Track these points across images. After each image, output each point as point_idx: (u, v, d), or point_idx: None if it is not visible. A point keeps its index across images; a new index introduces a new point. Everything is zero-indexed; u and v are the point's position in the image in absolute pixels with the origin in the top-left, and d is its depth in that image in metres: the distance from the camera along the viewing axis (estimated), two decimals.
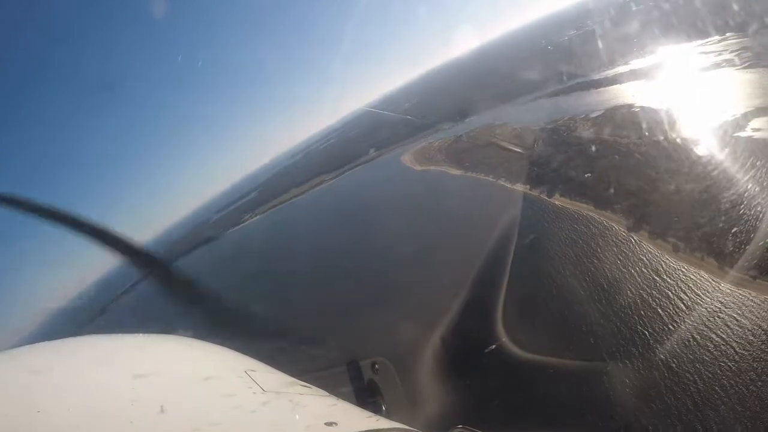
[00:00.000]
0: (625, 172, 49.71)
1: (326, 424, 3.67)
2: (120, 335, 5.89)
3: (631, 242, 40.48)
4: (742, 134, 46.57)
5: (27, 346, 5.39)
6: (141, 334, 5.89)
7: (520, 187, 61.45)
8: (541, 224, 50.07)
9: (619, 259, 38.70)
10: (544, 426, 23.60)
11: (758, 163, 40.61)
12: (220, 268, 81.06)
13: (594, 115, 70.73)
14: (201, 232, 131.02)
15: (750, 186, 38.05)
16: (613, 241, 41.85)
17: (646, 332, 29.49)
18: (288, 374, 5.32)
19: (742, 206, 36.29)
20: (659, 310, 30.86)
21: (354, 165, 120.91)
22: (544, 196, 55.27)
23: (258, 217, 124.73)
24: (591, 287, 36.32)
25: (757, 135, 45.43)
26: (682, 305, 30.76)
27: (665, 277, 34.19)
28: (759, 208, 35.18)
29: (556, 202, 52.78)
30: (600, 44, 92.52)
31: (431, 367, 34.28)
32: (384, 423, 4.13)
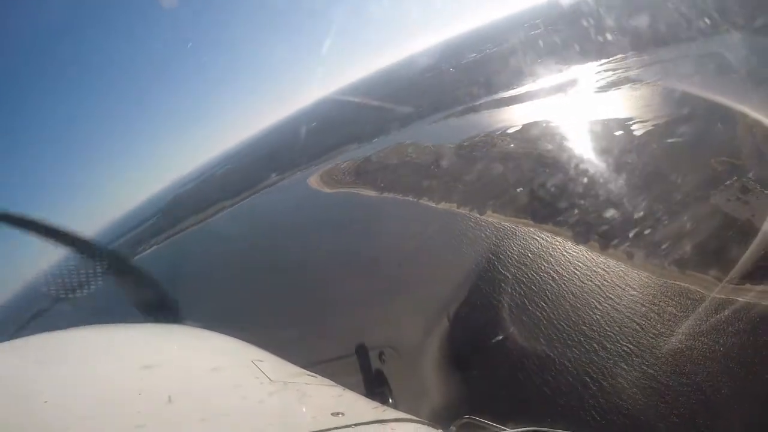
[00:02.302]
0: (552, 182, 48.22)
1: (333, 414, 3.74)
2: (128, 325, 6.02)
3: (577, 251, 39.00)
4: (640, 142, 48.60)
5: (33, 336, 5.48)
6: (148, 324, 6.38)
7: (445, 206, 57.48)
8: (476, 241, 45.92)
9: (565, 269, 37.29)
10: (551, 417, 23.57)
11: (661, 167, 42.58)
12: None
13: (511, 130, 69.76)
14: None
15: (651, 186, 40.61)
16: (557, 252, 39.49)
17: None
18: (295, 364, 5.39)
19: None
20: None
21: (256, 189, 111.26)
22: (475, 214, 51.73)
23: (151, 249, 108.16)
24: (533, 296, 35.42)
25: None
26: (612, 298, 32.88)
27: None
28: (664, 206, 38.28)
29: (490, 219, 49.32)
30: (507, 64, 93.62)
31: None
32: (390, 413, 4.09)
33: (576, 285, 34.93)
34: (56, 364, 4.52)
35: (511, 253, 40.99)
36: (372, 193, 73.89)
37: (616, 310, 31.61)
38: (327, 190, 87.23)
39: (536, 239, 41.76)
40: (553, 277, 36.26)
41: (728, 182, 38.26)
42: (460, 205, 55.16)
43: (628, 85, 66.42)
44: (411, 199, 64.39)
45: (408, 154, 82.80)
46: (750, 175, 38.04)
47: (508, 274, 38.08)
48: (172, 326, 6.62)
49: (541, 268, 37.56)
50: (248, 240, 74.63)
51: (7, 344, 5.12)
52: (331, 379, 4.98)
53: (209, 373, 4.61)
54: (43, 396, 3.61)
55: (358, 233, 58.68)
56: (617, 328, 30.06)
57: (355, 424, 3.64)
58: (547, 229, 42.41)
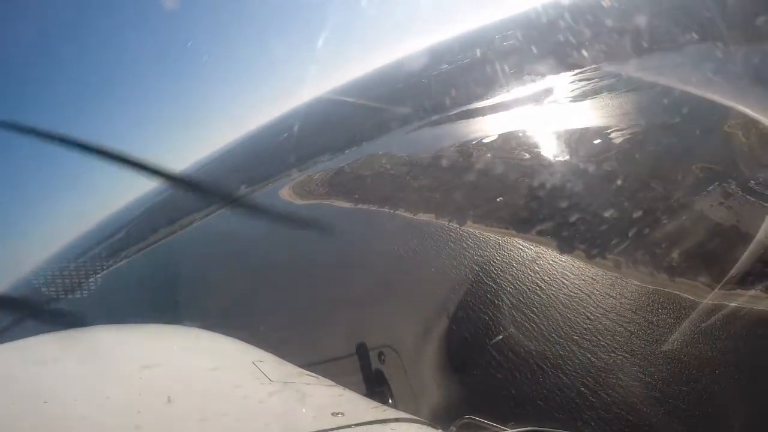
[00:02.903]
0: (533, 192, 47.40)
1: (333, 414, 3.74)
2: (127, 326, 6.20)
3: (564, 260, 37.56)
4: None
5: (33, 336, 5.41)
6: (149, 325, 6.51)
7: (423, 217, 55.96)
8: (458, 252, 44.40)
9: (552, 278, 35.98)
10: (551, 417, 23.52)
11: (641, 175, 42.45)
12: None
13: (487, 140, 69.15)
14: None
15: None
16: (543, 262, 38.03)
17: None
18: (295, 364, 5.40)
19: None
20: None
21: (226, 203, 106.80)
22: (454, 224, 50.34)
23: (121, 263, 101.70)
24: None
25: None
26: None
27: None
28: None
29: (470, 229, 47.96)
30: (481, 74, 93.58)
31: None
32: (390, 413, 4.11)
33: (565, 294, 33.73)
34: (56, 364, 4.51)
35: (495, 263, 39.65)
36: (346, 205, 71.80)
37: (607, 317, 30.61)
38: (300, 201, 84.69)
39: (521, 249, 40.50)
40: (540, 287, 34.94)
41: (710, 188, 38.08)
42: (438, 216, 53.63)
43: (604, 93, 66.65)
44: (387, 210, 62.55)
45: (382, 164, 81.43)
46: (731, 180, 38.01)
47: (493, 285, 36.69)
48: (171, 327, 6.62)
49: (528, 279, 36.26)
50: (221, 254, 71.56)
51: (7, 345, 5.15)
52: (331, 379, 4.96)
53: (209, 374, 4.63)
54: (43, 396, 3.62)
55: (334, 245, 56.50)
56: (607, 335, 29.19)
57: (356, 424, 3.62)
58: (531, 238, 41.24)
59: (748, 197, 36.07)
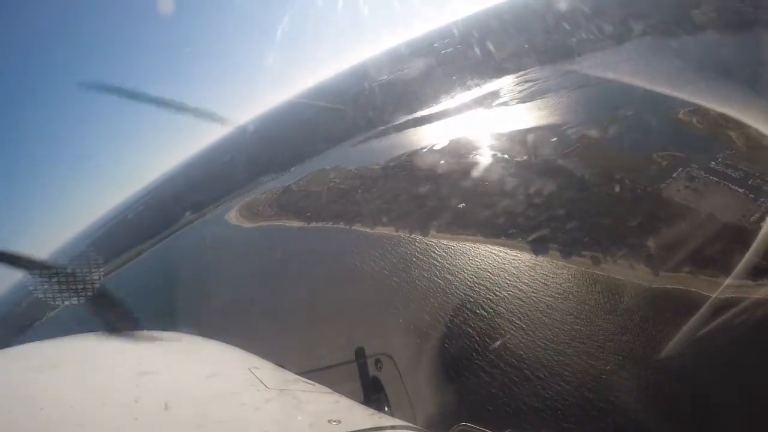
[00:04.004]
0: (495, 195, 45.64)
1: (329, 421, 3.76)
2: (123, 332, 5.90)
3: (538, 262, 36.06)
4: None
5: (29, 343, 5.47)
6: (145, 331, 6.06)
7: (382, 231, 53.19)
8: (428, 263, 41.82)
9: (531, 281, 34.40)
10: (545, 424, 23.46)
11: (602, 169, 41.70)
12: None
13: (438, 147, 67.27)
14: None
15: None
16: (520, 265, 36.35)
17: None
18: (292, 371, 5.43)
19: None
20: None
21: (171, 231, 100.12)
22: (417, 236, 47.88)
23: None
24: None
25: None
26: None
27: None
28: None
29: (433, 240, 45.61)
30: (425, 82, 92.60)
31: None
32: (387, 420, 4.09)
33: (546, 295, 32.07)
34: (52, 371, 4.50)
35: (469, 271, 37.39)
36: (299, 224, 67.86)
37: (588, 314, 29.47)
38: (249, 224, 79.74)
39: (495, 255, 38.43)
40: (524, 291, 33.02)
41: (675, 174, 37.71)
42: (398, 228, 50.96)
43: (550, 93, 66.65)
44: (342, 226, 59.37)
45: (332, 179, 78.23)
46: (693, 164, 37.88)
47: (472, 294, 34.38)
48: (168, 334, 6.56)
49: (509, 284, 34.21)
50: (170, 286, 65.61)
51: (3, 351, 5.14)
52: (328, 386, 4.93)
53: (206, 381, 4.61)
54: (40, 404, 3.63)
55: (291, 266, 52.69)
56: (586, 331, 28.23)
57: None
58: (501, 243, 39.32)
59: (712, 177, 36.26)
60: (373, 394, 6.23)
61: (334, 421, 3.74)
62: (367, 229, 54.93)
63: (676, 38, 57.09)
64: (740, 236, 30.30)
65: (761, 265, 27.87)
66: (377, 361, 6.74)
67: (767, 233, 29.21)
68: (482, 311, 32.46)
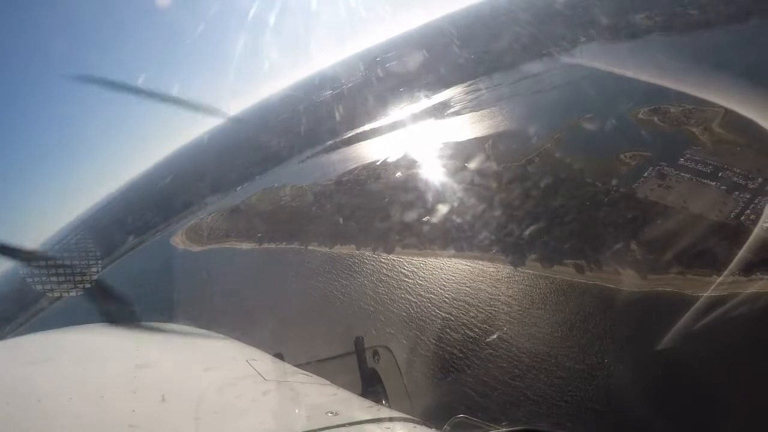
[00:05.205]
0: (462, 206, 43.25)
1: (327, 413, 3.74)
2: (121, 325, 5.98)
3: (518, 273, 33.76)
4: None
5: (27, 335, 5.75)
6: (143, 323, 6.32)
7: (341, 250, 49.70)
8: (400, 283, 38.66)
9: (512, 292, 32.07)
10: (542, 416, 23.11)
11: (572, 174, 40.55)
12: None
13: (391, 159, 64.33)
14: None
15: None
16: (501, 277, 33.91)
17: None
18: (289, 363, 5.41)
19: None
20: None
21: (113, 258, 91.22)
22: (381, 253, 44.73)
23: None
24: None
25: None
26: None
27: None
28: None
29: (400, 257, 42.56)
30: (371, 96, 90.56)
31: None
32: (384, 412, 4.14)
33: (532, 310, 29.84)
34: (50, 363, 4.48)
35: (446, 289, 34.52)
36: (249, 246, 63.02)
37: (581, 325, 27.55)
38: (197, 248, 73.54)
39: (468, 269, 35.81)
40: (511, 307, 30.57)
41: (646, 174, 36.79)
42: (360, 246, 47.59)
43: (503, 101, 65.77)
44: (297, 246, 55.37)
45: (281, 197, 74.05)
46: (662, 162, 37.21)
47: (453, 315, 31.53)
48: (165, 326, 6.51)
49: (491, 300, 31.67)
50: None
51: (1, 344, 5.28)
52: (326, 378, 4.91)
53: (203, 373, 4.58)
54: (38, 395, 3.63)
55: (245, 293, 48.14)
56: (582, 343, 26.45)
57: (350, 423, 3.58)
58: (475, 256, 36.77)
59: (682, 174, 35.65)
60: (370, 386, 5.96)
61: (332, 413, 3.70)
62: (325, 249, 51.28)
63: (623, 42, 57.67)
64: (723, 232, 29.58)
65: (751, 260, 27.07)
66: (375, 353, 6.49)
67: (756, 230, 28.40)
68: (466, 335, 29.60)
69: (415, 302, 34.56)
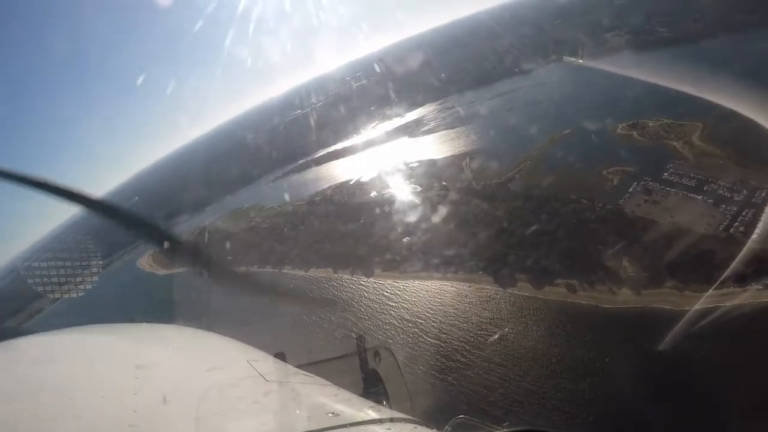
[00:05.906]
0: (443, 226, 41.72)
1: (328, 413, 3.73)
2: (123, 325, 6.58)
3: (510, 295, 32.35)
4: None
5: (29, 336, 5.89)
6: (144, 324, 6.63)
7: (317, 273, 47.32)
8: (382, 309, 36.59)
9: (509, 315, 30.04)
10: (542, 417, 22.87)
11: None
12: None
13: (365, 179, 62.62)
14: None
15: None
16: (491, 299, 32.38)
17: None
18: (291, 364, 5.40)
19: None
20: None
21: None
22: (359, 276, 42.58)
23: None
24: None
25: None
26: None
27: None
28: None
29: (379, 280, 40.45)
30: (344, 115, 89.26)
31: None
32: (386, 413, 4.11)
33: (526, 334, 28.41)
34: (52, 363, 4.49)
35: (433, 314, 32.71)
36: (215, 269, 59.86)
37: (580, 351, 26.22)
38: (164, 271, 69.86)
39: (454, 292, 34.13)
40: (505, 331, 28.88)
41: (630, 189, 36.18)
42: (337, 269, 45.38)
43: (477, 118, 65.07)
44: (271, 270, 52.84)
45: (251, 218, 71.25)
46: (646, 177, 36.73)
47: (444, 342, 29.72)
48: (167, 326, 6.80)
49: (482, 324, 30.05)
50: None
51: (3, 344, 5.02)
52: (327, 379, 4.93)
53: (204, 373, 4.60)
54: (39, 395, 3.65)
55: (218, 317, 45.13)
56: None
57: (351, 424, 3.54)
58: (461, 278, 35.16)
59: (667, 188, 35.23)
60: (371, 387, 5.80)
61: (333, 414, 3.67)
62: (300, 272, 48.95)
63: (597, 59, 58.12)
64: (713, 243, 29.30)
65: (743, 272, 26.75)
66: (376, 354, 6.32)
67: (749, 241, 27.91)
68: (460, 366, 27.85)
69: (399, 327, 32.70)
